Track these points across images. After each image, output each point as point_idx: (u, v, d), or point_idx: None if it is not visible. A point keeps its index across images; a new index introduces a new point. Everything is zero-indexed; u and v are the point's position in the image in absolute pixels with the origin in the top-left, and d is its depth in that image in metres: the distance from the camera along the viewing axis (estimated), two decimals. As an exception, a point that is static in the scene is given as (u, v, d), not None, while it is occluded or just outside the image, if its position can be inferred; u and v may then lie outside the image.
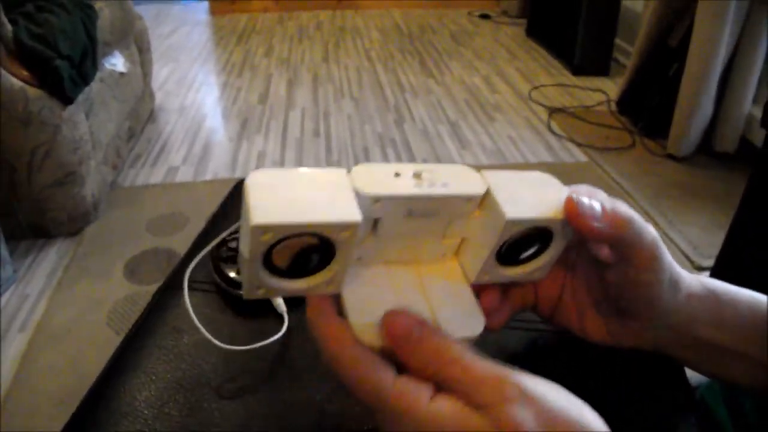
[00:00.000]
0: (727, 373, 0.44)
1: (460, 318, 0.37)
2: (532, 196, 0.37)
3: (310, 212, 0.32)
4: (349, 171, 0.34)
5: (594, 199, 0.37)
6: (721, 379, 0.48)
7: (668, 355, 0.45)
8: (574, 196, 0.37)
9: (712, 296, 0.42)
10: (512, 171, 0.38)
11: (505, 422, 0.30)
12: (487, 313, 0.39)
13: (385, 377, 0.32)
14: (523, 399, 0.30)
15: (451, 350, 0.32)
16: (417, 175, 0.35)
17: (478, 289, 0.40)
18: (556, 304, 0.46)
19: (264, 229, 0.30)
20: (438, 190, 0.35)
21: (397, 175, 0.35)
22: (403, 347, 0.33)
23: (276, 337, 0.50)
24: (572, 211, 0.36)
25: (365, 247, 0.36)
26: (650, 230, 0.39)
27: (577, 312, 0.45)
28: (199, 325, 0.48)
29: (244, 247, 0.32)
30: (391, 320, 0.33)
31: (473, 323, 0.37)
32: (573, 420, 0.31)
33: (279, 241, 0.32)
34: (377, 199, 0.33)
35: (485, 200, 0.36)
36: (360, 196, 0.33)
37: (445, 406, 0.31)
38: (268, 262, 0.33)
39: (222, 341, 0.49)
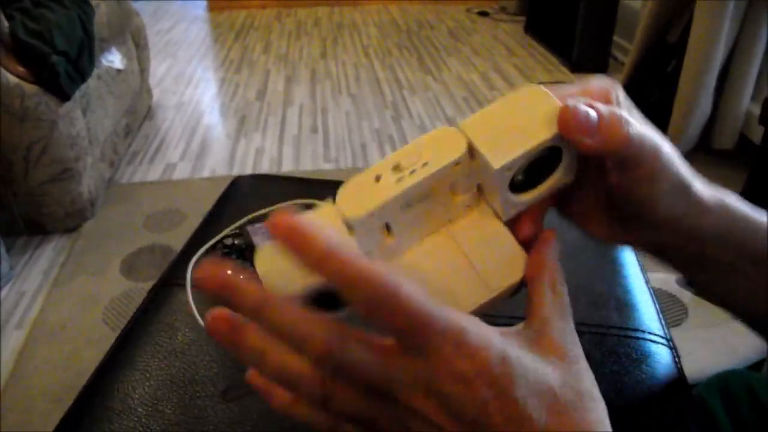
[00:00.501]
0: (726, 291, 0.42)
1: (501, 265, 0.36)
2: (519, 124, 0.34)
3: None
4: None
5: (592, 109, 0.34)
6: (719, 299, 0.44)
7: (669, 260, 0.42)
8: (571, 105, 0.33)
9: (723, 210, 0.39)
10: (494, 104, 0.36)
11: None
12: (529, 240, 0.37)
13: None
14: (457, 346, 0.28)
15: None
16: (396, 168, 0.34)
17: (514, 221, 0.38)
18: (570, 202, 0.43)
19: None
20: (419, 175, 0.33)
21: (377, 178, 0.34)
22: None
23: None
24: (564, 125, 0.33)
25: (388, 247, 0.35)
26: (652, 143, 0.35)
27: (585, 210, 0.42)
28: (200, 319, 0.48)
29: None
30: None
31: (514, 267, 0.36)
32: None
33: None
34: (368, 216, 0.33)
35: (473, 150, 0.35)
36: (353, 222, 0.32)
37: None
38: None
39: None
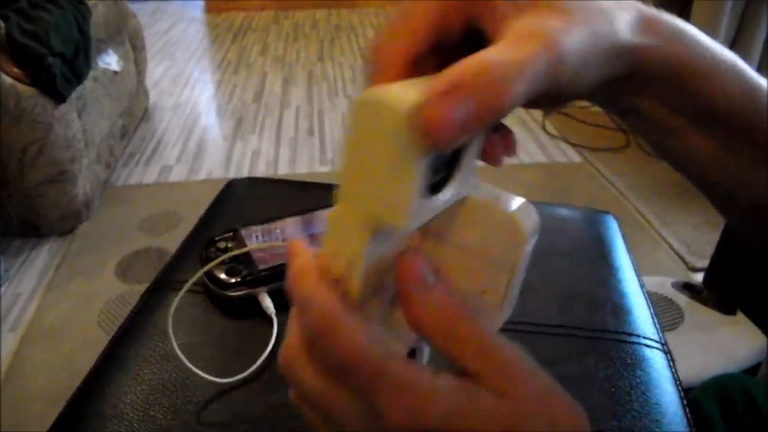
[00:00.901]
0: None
1: (501, 240, 0.31)
2: (382, 166, 0.27)
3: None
4: None
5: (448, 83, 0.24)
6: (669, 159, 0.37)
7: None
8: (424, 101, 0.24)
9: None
10: (347, 154, 0.28)
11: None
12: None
13: (395, 350, 0.29)
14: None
15: (467, 319, 0.28)
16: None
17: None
18: None
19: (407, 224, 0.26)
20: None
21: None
22: (413, 296, 0.28)
23: (256, 365, 0.50)
24: (424, 133, 0.24)
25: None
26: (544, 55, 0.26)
27: None
28: (183, 358, 0.48)
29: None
30: (405, 263, 0.28)
31: (512, 234, 0.31)
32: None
33: None
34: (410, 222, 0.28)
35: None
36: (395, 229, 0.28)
37: (452, 382, 0.27)
38: None
39: (210, 342, 0.48)
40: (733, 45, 2.24)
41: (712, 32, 2.16)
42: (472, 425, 0.26)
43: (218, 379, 0.47)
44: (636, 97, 0.33)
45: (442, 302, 0.28)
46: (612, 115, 0.34)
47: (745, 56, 2.21)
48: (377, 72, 0.30)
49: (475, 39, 0.30)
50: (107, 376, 0.49)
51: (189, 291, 0.58)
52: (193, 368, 0.47)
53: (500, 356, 0.27)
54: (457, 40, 0.30)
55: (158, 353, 0.50)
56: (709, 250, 1.52)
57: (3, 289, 1.67)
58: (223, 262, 0.55)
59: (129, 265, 1.75)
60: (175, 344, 0.43)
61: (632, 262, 0.69)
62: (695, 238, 1.91)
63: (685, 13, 2.31)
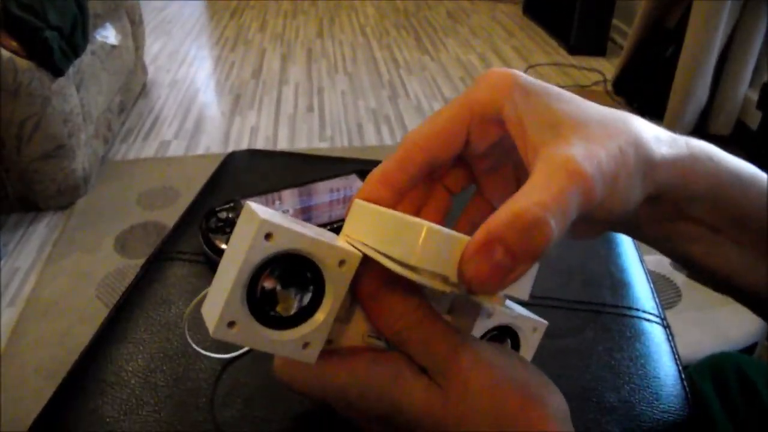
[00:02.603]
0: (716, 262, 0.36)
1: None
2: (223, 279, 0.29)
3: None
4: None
5: None
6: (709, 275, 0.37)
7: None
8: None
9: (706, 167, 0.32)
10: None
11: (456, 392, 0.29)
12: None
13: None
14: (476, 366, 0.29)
15: (418, 309, 0.30)
16: None
17: None
18: None
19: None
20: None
21: None
22: (369, 307, 0.31)
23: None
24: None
25: None
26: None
27: None
28: (191, 342, 0.48)
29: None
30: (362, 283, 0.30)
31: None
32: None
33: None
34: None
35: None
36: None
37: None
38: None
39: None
40: (732, 34, 2.23)
41: (712, 21, 2.15)
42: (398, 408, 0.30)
43: (220, 355, 0.47)
44: (674, 216, 0.33)
45: (398, 308, 0.30)
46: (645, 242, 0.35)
47: (744, 45, 2.21)
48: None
49: None
50: (108, 345, 0.49)
51: (189, 261, 0.58)
52: (195, 347, 0.47)
53: (442, 351, 0.29)
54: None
55: (160, 322, 0.50)
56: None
57: (1, 264, 1.66)
58: (223, 232, 0.55)
59: (127, 240, 1.75)
60: (187, 335, 0.43)
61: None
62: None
63: (686, 2, 2.30)
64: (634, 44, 2.61)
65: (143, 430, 0.41)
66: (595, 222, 0.30)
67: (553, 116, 0.29)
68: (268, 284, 0.28)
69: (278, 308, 0.29)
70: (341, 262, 0.28)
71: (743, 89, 2.28)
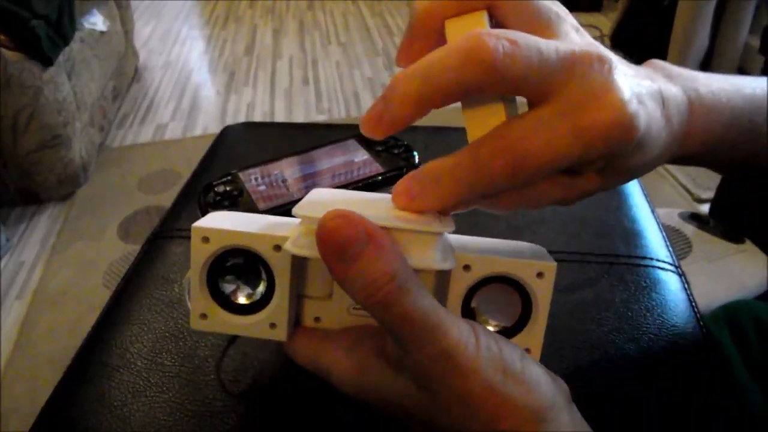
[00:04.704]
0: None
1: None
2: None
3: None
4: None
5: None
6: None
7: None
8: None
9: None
10: None
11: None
12: None
13: None
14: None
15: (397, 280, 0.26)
16: None
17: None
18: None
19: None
20: None
21: None
22: (337, 264, 0.27)
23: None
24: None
25: None
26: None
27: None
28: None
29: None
30: (328, 225, 0.26)
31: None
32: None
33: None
34: None
35: None
36: None
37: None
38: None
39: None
40: (708, 59, 2.21)
41: (693, 31, 2.12)
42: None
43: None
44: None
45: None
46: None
47: (742, 1, 2.18)
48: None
49: None
50: (112, 328, 0.48)
51: (188, 238, 0.56)
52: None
53: (431, 351, 0.27)
54: None
55: (163, 301, 0.49)
56: (714, 182, 1.50)
57: (6, 258, 1.66)
58: (222, 206, 0.53)
59: (130, 225, 1.74)
60: (189, 307, 0.42)
61: (641, 188, 0.67)
62: (700, 170, 1.89)
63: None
64: (632, -5, 2.57)
65: (152, 411, 0.40)
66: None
67: None
68: (229, 277, 0.33)
69: (243, 296, 0.33)
70: (276, 247, 0.31)
71: (744, 36, 2.24)
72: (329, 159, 0.60)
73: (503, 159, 0.27)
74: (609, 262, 0.54)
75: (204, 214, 0.55)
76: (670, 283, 0.53)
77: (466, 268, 0.31)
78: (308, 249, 0.28)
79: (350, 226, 0.26)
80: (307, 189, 0.56)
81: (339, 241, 0.26)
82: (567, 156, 0.27)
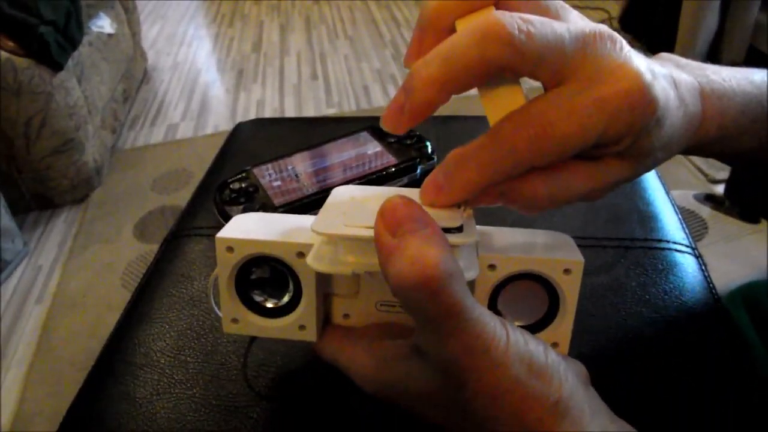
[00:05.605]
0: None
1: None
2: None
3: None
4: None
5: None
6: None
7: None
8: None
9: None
10: None
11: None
12: None
13: None
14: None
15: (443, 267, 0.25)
16: None
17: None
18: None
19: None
20: None
21: None
22: (389, 241, 0.26)
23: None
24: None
25: None
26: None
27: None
28: (216, 308, 0.47)
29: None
30: (387, 205, 0.27)
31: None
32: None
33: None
34: None
35: None
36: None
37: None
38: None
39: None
40: (718, 39, 2.19)
41: (702, 10, 2.10)
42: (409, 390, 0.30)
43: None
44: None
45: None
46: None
47: (737, 30, 2.15)
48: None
49: None
50: (134, 327, 0.49)
51: (206, 235, 0.57)
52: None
53: (467, 343, 0.27)
54: None
55: (183, 299, 0.50)
56: (729, 160, 1.49)
57: (24, 263, 1.67)
58: (237, 203, 0.54)
59: (146, 226, 1.75)
60: (212, 300, 0.43)
61: (655, 170, 0.67)
62: (713, 149, 1.88)
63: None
64: (638, -23, 2.55)
65: (177, 408, 0.41)
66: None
67: None
68: (257, 291, 0.35)
69: (273, 300, 0.35)
70: (299, 254, 0.32)
71: (754, 13, 2.21)
72: (342, 152, 0.60)
73: (526, 131, 0.27)
74: (625, 246, 0.53)
75: (220, 211, 0.55)
76: (687, 265, 0.53)
77: (491, 267, 0.32)
78: (330, 264, 0.30)
79: (408, 206, 0.27)
80: (321, 183, 0.56)
81: (398, 216, 0.26)
82: (591, 128, 0.27)
